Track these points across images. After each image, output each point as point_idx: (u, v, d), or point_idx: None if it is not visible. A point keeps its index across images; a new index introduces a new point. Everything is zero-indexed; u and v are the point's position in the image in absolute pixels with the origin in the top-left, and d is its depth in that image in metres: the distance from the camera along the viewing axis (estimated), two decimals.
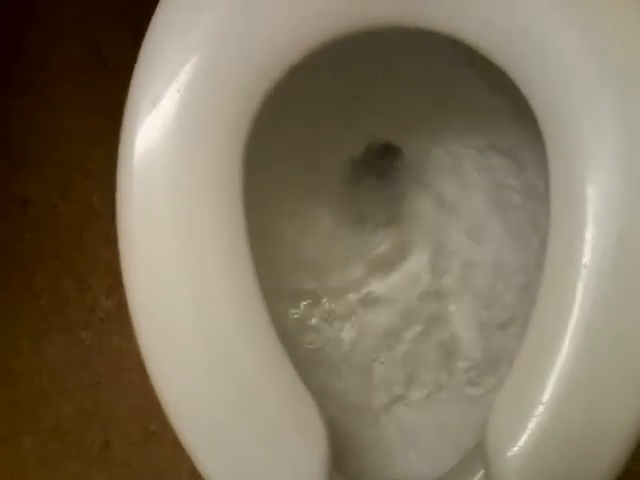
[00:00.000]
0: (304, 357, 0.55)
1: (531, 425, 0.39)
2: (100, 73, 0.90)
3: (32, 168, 0.91)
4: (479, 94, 0.55)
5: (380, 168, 0.60)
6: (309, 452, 0.40)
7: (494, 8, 0.40)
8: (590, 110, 0.40)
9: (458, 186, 0.58)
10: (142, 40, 0.84)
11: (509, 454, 0.39)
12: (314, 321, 0.57)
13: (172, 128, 0.40)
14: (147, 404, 0.83)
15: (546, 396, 0.39)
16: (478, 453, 0.41)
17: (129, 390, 0.85)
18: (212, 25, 0.42)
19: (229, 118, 0.41)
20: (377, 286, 0.59)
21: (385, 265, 0.59)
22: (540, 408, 0.39)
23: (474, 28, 0.40)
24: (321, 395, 0.43)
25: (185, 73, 0.41)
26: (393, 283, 0.59)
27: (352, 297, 0.58)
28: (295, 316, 0.57)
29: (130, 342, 0.84)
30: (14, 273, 0.89)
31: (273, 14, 0.41)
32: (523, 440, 0.39)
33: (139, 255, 0.41)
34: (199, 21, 0.42)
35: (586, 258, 0.39)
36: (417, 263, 0.59)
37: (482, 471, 0.41)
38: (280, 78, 0.43)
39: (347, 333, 0.57)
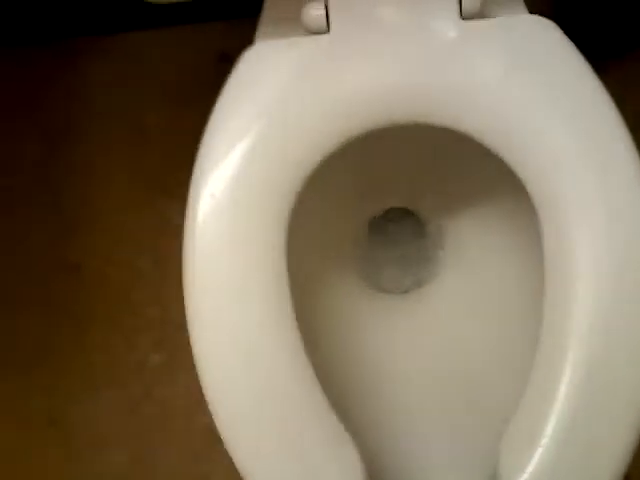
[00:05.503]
0: None
1: (537, 454, 0.46)
2: (144, 148, 1.00)
3: (82, 235, 1.00)
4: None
5: (399, 233, 0.69)
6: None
7: (495, 110, 0.49)
8: (577, 194, 0.48)
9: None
10: (179, 121, 0.95)
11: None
12: None
13: (227, 218, 0.50)
14: (194, 451, 0.91)
15: (549, 430, 0.46)
16: None
17: (176, 439, 0.92)
18: (258, 127, 0.51)
19: (275, 205, 0.50)
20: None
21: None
22: (545, 440, 0.46)
23: (477, 125, 0.49)
24: None
25: (238, 168, 0.50)
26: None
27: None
28: None
29: (177, 394, 0.92)
30: (67, 331, 0.97)
31: (310, 118, 0.51)
32: (531, 467, 0.46)
33: (205, 325, 0.50)
34: (249, 123, 0.51)
35: (577, 323, 0.47)
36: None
37: None
38: (315, 168, 0.52)
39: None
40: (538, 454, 0.46)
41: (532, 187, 0.49)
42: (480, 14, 0.52)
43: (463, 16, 0.51)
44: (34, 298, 0.99)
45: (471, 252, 0.68)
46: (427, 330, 0.68)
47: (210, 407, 0.50)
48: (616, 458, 0.46)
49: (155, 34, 1.03)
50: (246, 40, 0.58)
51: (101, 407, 0.94)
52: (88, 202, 1.01)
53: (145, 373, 0.94)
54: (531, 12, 0.55)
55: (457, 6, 0.51)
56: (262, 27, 0.59)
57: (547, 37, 0.50)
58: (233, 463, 0.49)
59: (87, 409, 0.94)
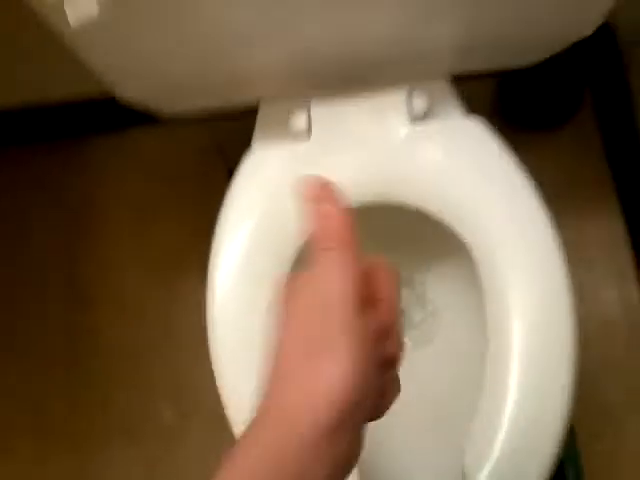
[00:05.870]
0: None
1: (492, 455, 0.60)
2: (150, 228, 1.15)
3: (96, 307, 1.13)
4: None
5: None
6: None
7: (436, 192, 0.65)
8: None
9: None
10: (179, 205, 1.07)
11: (479, 476, 0.60)
12: None
13: (237, 288, 0.65)
14: None
15: (500, 438, 0.60)
16: None
17: None
18: (259, 215, 0.67)
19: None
20: None
21: None
22: (497, 444, 0.60)
23: (422, 203, 0.66)
24: None
25: (245, 247, 0.66)
26: None
27: None
28: None
29: (191, 450, 1.03)
30: (84, 390, 1.09)
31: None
32: (487, 467, 0.60)
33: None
34: (252, 212, 0.67)
35: (513, 357, 0.62)
36: None
37: None
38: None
39: None
40: (492, 456, 0.60)
41: (470, 246, 0.65)
42: (426, 116, 0.68)
43: (412, 120, 0.67)
44: (51, 362, 1.11)
45: (451, 308, 0.81)
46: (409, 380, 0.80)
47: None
48: (545, 458, 0.60)
49: (156, 130, 1.15)
50: (244, 135, 0.72)
51: (113, 462, 1.04)
52: (99, 281, 1.14)
53: (159, 429, 1.05)
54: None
55: (407, 115, 0.67)
56: (258, 128, 0.73)
57: (477, 135, 0.67)
58: None
59: (99, 464, 1.05)
